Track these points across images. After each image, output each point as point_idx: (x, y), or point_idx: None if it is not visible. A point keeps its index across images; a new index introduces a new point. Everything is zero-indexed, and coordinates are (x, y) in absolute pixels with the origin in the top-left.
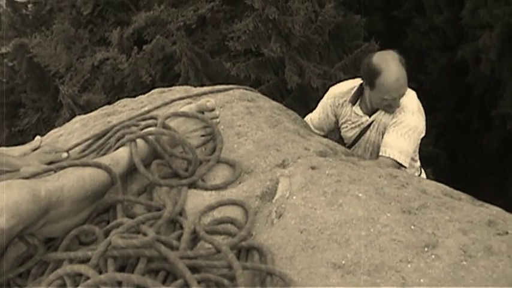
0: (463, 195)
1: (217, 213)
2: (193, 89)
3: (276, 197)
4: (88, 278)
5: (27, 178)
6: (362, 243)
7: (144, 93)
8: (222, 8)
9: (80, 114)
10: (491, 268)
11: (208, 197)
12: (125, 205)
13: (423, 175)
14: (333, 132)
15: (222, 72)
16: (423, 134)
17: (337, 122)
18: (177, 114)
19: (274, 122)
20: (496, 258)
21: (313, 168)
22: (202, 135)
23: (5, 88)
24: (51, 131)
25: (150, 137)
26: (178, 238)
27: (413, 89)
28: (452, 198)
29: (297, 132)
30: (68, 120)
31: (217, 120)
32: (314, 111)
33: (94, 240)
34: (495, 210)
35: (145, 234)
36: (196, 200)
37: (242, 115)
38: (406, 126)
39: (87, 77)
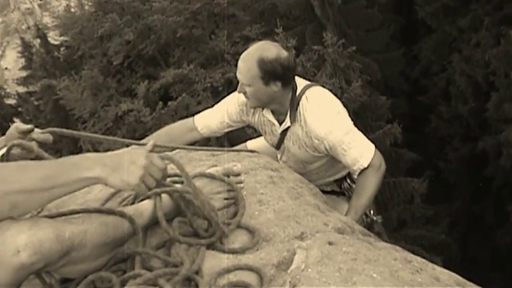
0: (475, 287)
1: (232, 277)
2: (218, 152)
3: (292, 267)
4: None
5: (52, 217)
6: None
7: None
8: None
9: None
10: None
11: (225, 260)
12: (143, 257)
13: None
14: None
15: (243, 137)
16: (342, 109)
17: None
18: (203, 175)
19: (296, 194)
20: None
21: (330, 243)
22: (226, 199)
23: None
24: None
25: (175, 194)
26: None
27: (431, 176)
28: None
29: (317, 206)
30: None
31: (242, 185)
32: (209, 114)
33: None
34: None
35: None
36: (213, 261)
37: (265, 183)
38: (340, 140)
39: (110, 125)
